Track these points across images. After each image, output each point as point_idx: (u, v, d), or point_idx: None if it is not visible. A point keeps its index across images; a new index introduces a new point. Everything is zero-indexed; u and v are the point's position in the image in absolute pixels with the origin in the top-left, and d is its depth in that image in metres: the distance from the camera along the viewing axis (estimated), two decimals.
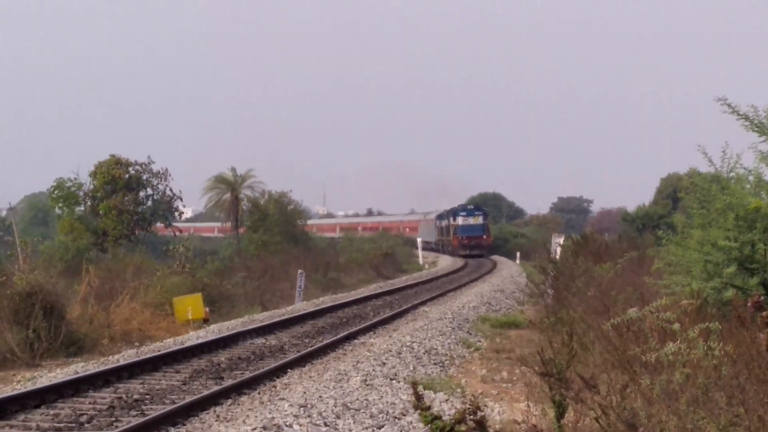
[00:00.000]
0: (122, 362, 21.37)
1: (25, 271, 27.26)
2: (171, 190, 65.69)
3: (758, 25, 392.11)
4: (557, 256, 34.37)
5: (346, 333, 27.03)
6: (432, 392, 16.66)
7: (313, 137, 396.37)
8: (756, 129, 14.34)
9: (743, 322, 9.26)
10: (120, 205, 61.49)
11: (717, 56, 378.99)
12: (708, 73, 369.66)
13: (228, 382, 18.80)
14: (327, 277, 55.95)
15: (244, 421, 14.55)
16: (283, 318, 31.34)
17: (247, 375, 19.74)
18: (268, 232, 71.03)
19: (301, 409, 14.98)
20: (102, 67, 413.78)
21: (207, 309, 33.57)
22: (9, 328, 24.84)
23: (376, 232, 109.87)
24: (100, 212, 61.65)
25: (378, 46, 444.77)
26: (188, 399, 16.89)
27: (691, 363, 9.31)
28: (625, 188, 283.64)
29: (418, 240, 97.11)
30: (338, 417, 14.55)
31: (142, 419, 15.15)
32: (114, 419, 15.66)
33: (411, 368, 19.99)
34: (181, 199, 67.44)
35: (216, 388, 18.15)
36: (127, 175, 62.97)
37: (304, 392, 16.73)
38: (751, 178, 16.06)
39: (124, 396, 17.72)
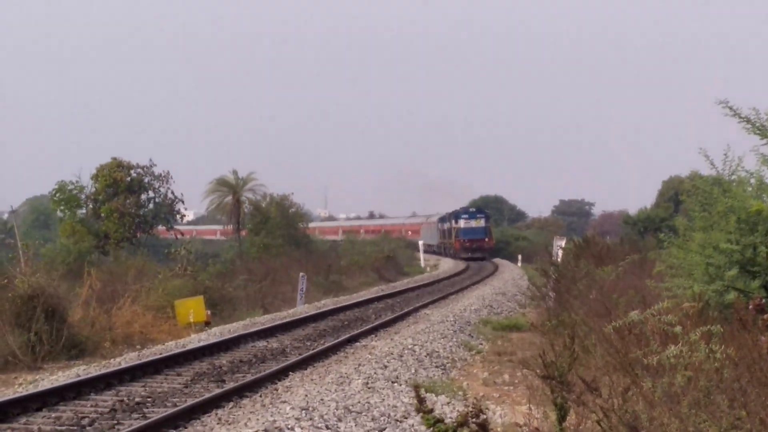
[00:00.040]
0: (124, 365, 21.36)
1: (26, 274, 27.25)
2: (173, 192, 65.78)
3: (760, 28, 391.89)
4: (559, 259, 34.34)
5: (347, 336, 27.03)
6: (434, 395, 16.67)
7: (315, 140, 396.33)
8: (758, 132, 14.34)
9: (745, 325, 9.26)
10: (122, 208, 61.52)
11: (719, 59, 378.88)
12: (710, 75, 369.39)
13: (229, 385, 18.79)
14: (328, 279, 55.89)
15: (245, 424, 14.55)
16: (284, 321, 31.33)
17: (249, 378, 19.74)
18: (269, 235, 71.01)
19: (303, 411, 14.98)
20: (104, 69, 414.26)
21: (209, 312, 33.54)
22: (11, 330, 24.83)
23: (378, 235, 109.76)
24: (102, 215, 61.68)
25: (380, 48, 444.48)
26: (190, 402, 16.89)
27: (693, 366, 9.31)
28: (626, 191, 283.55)
29: (420, 243, 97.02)
30: (340, 420, 14.56)
31: (143, 422, 15.15)
32: (116, 422, 15.66)
33: (413, 371, 19.99)
34: (183, 202, 67.55)
35: (217, 390, 18.15)
36: (128, 178, 63.01)
37: (306, 395, 16.73)
38: (752, 180, 16.07)
39: (125, 399, 17.72)
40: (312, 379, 19.49)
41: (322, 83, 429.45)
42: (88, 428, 15.39)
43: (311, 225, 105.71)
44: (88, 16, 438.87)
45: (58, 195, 61.53)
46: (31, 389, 18.97)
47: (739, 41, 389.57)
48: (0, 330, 24.84)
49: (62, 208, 61.65)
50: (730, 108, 14.41)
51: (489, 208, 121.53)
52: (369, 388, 17.56)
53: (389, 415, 15.07)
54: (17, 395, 17.72)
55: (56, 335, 25.33)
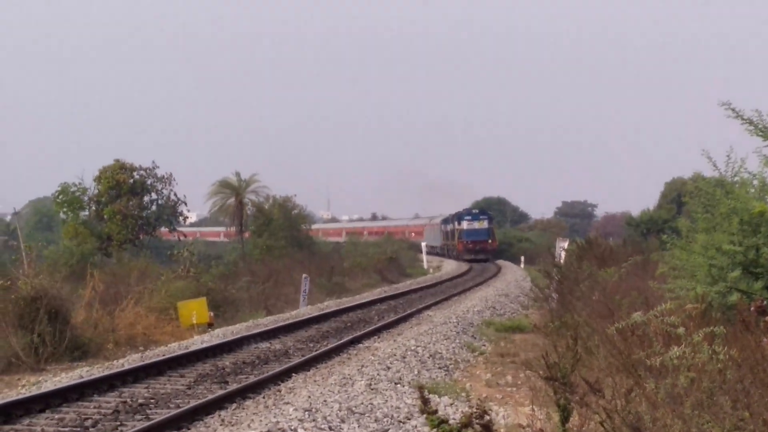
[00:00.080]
0: (127, 366, 21.38)
1: (29, 276, 27.28)
2: (175, 194, 65.87)
3: (760, 28, 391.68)
4: (562, 261, 34.32)
5: (350, 337, 27.02)
6: (437, 396, 16.66)
7: (315, 140, 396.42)
8: (760, 133, 14.34)
9: (748, 326, 9.26)
10: (124, 210, 61.59)
11: (721, 61, 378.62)
12: (710, 76, 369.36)
13: (233, 387, 18.80)
14: (331, 281, 55.90)
15: (248, 425, 14.56)
16: (287, 322, 31.33)
17: (252, 379, 19.76)
18: (272, 237, 71.09)
19: (306, 413, 14.99)
20: (104, 69, 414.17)
21: (211, 313, 33.54)
22: (14, 332, 24.86)
23: (381, 236, 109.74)
24: (105, 217, 61.75)
25: (380, 48, 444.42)
26: (193, 403, 16.90)
27: (696, 367, 9.31)
28: (629, 193, 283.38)
29: (423, 244, 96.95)
30: (343, 421, 14.56)
31: (146, 423, 15.17)
32: (119, 423, 15.68)
33: (415, 372, 20.00)
34: (186, 204, 67.61)
35: (221, 392, 18.16)
36: (131, 180, 63.10)
37: (309, 396, 16.74)
38: (755, 182, 16.08)
39: (128, 400, 17.73)
40: (315, 381, 19.50)
41: (322, 83, 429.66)
42: (91, 429, 15.42)
43: (315, 227, 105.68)
44: (88, 16, 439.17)
45: (61, 197, 61.62)
46: (35, 391, 18.98)
47: (739, 41, 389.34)
48: (3, 331, 24.88)
49: (65, 210, 61.73)
50: (733, 110, 14.42)
51: (492, 209, 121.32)
52: (372, 389, 17.56)
53: (392, 416, 15.07)
54: (20, 396, 17.74)
55: (59, 337, 25.37)
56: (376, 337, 27.96)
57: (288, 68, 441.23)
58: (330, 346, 25.29)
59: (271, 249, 67.80)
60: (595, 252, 30.24)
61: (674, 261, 17.67)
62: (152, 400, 17.78)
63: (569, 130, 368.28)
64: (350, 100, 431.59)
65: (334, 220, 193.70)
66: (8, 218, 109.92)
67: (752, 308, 9.30)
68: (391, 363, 20.95)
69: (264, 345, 26.13)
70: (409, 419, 14.86)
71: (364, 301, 42.03)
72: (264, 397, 17.96)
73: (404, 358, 21.82)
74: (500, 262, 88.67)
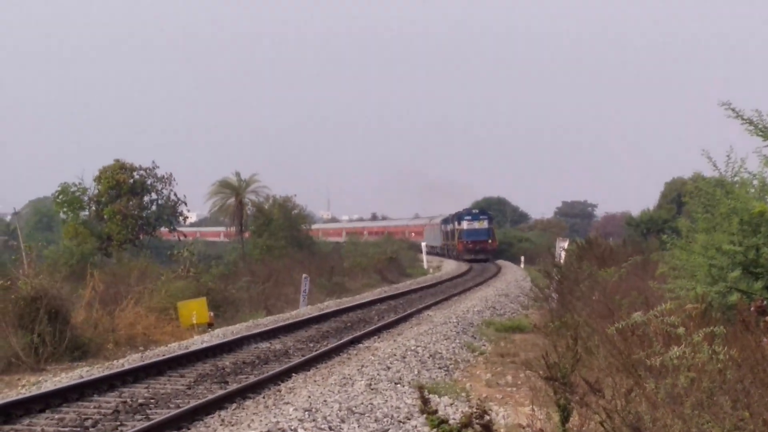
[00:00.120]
0: (127, 366, 21.38)
1: (29, 276, 27.28)
2: (175, 194, 65.88)
3: (760, 28, 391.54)
4: (562, 261, 34.33)
5: (350, 337, 27.02)
6: (437, 396, 16.66)
7: (315, 141, 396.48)
8: (760, 133, 14.34)
9: (748, 326, 9.26)
10: (124, 210, 61.60)
11: (721, 60, 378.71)
12: (710, 76, 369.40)
13: (233, 387, 18.80)
14: (331, 281, 55.90)
15: (248, 425, 14.57)
16: (287, 322, 31.33)
17: (252, 379, 19.76)
18: (272, 237, 71.11)
19: (306, 413, 14.99)
20: (106, 71, 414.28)
21: (211, 313, 33.55)
22: (14, 332, 24.86)
23: (381, 236, 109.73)
24: (105, 217, 61.75)
25: (380, 48, 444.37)
26: (193, 403, 16.90)
27: (696, 367, 9.31)
28: (629, 193, 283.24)
29: (423, 244, 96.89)
30: (343, 421, 14.57)
31: (146, 423, 15.17)
32: (119, 423, 15.68)
33: (415, 372, 20.00)
34: (186, 204, 67.62)
35: (221, 392, 18.16)
36: (131, 180, 63.11)
37: (309, 396, 16.74)
38: (755, 182, 16.08)
39: (128, 400, 17.74)
40: (315, 381, 19.51)
41: (322, 83, 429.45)
42: (91, 429, 15.42)
43: (315, 227, 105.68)
44: (88, 16, 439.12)
45: (61, 197, 61.63)
46: (35, 391, 18.98)
47: (739, 41, 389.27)
48: (3, 332, 24.88)
49: (65, 210, 61.74)
50: (733, 110, 14.42)
51: (492, 209, 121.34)
52: (372, 389, 17.56)
53: (392, 416, 15.08)
54: (20, 396, 17.74)
55: (59, 337, 25.38)
56: (376, 337, 27.96)
57: (288, 68, 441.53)
58: (330, 346, 25.29)
59: (271, 249, 67.82)
60: (595, 252, 30.24)
61: (674, 261, 17.67)
62: (152, 400, 17.79)
63: (569, 130, 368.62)
64: (350, 100, 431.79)
65: (334, 220, 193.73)
66: (8, 218, 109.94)
67: (752, 308, 9.30)
68: (391, 363, 20.95)
69: (264, 345, 26.13)
70: (409, 419, 14.86)
71: (364, 301, 42.03)
72: (264, 397, 17.96)
73: (404, 358, 21.83)
74: (500, 262, 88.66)
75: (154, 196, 65.21)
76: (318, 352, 24.04)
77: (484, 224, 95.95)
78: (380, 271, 70.68)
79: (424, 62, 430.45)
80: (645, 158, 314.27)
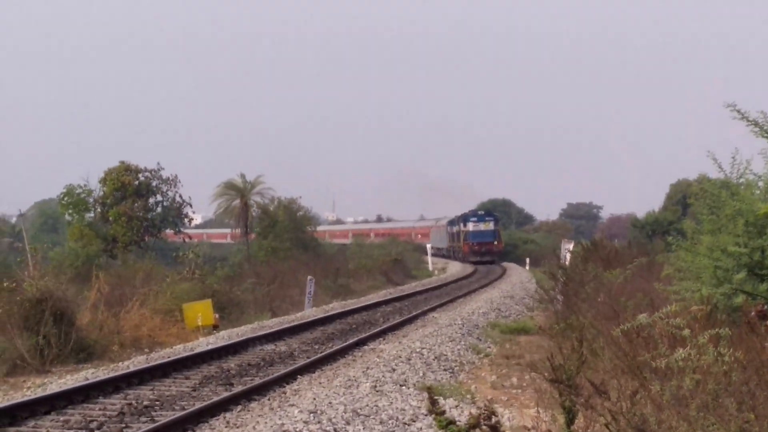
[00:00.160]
0: (132, 368, 21.39)
1: (35, 278, 27.29)
2: (180, 196, 65.81)
3: (760, 28, 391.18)
4: (567, 262, 34.31)
5: (355, 339, 27.02)
6: (442, 398, 16.64)
7: (315, 141, 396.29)
8: (766, 135, 14.33)
9: (753, 328, 9.26)
10: (130, 212, 61.57)
11: (721, 60, 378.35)
12: (713, 77, 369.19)
13: (238, 389, 18.80)
14: (336, 283, 55.90)
15: (254, 428, 14.57)
16: (292, 324, 31.34)
17: (257, 381, 19.75)
18: (277, 239, 71.13)
19: (311, 415, 15.00)
20: (106, 71, 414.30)
21: (217, 315, 33.56)
22: (19, 334, 24.86)
23: (388, 238, 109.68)
24: (110, 219, 61.74)
25: (380, 48, 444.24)
26: (198, 405, 16.89)
27: (701, 369, 9.31)
28: (634, 194, 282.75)
29: (428, 246, 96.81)
30: (348, 423, 14.57)
31: (152, 425, 15.17)
32: (124, 425, 15.68)
33: (421, 374, 19.99)
34: (191, 206, 67.58)
35: (226, 394, 18.16)
36: (136, 182, 63.06)
37: (314, 398, 16.74)
38: (760, 183, 16.08)
39: (134, 402, 17.74)
40: (320, 383, 19.50)
41: (322, 83, 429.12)
42: (96, 431, 15.42)
43: (321, 228, 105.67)
44: (88, 16, 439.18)
45: (66, 199, 61.61)
46: (40, 393, 19.00)
47: (739, 41, 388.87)
48: (9, 333, 24.89)
49: (70, 211, 61.70)
50: (739, 111, 14.40)
51: (497, 211, 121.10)
52: (377, 391, 17.57)
53: (397, 418, 15.07)
54: (26, 398, 17.76)
55: (65, 339, 25.37)
56: (381, 339, 27.95)
57: (288, 68, 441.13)
58: (335, 348, 25.28)
59: (276, 251, 67.84)
60: (601, 254, 30.22)
61: (679, 263, 17.66)
62: (157, 402, 17.78)
63: (570, 131, 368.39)
64: (350, 100, 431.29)
65: (339, 221, 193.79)
66: (14, 220, 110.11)
67: (753, 313, 9.31)
68: (396, 365, 20.94)
69: (269, 347, 26.14)
70: (414, 421, 14.86)
71: (369, 302, 42.02)
72: (269, 399, 17.95)
73: (409, 360, 21.82)
74: (505, 263, 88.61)
75: (159, 197, 65.20)
76: (323, 354, 24.03)
77: (490, 226, 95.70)
78: (385, 272, 70.69)
79: (424, 62, 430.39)
80: (645, 159, 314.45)
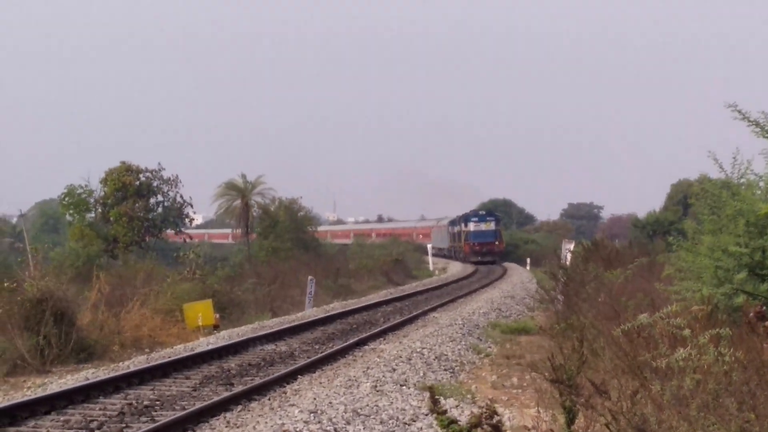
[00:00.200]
0: (132, 368, 21.39)
1: (35, 278, 27.31)
2: (181, 196, 65.80)
3: (760, 28, 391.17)
4: (567, 262, 34.30)
5: (356, 339, 27.01)
6: (442, 398, 16.63)
7: (315, 141, 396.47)
8: (767, 135, 14.32)
9: (754, 329, 9.25)
10: (130, 212, 61.56)
11: (721, 60, 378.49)
12: (713, 77, 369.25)
13: (238, 389, 18.80)
14: (337, 283, 55.90)
15: (254, 428, 14.57)
16: (293, 324, 31.34)
17: (258, 381, 19.75)
18: (278, 239, 71.15)
19: (312, 415, 14.99)
20: (112, 73, 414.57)
21: (217, 315, 33.57)
22: (20, 334, 24.87)
23: (389, 238, 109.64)
24: (111, 219, 61.72)
25: (380, 48, 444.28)
26: (198, 405, 16.89)
27: (702, 369, 9.30)
28: (635, 194, 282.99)
29: (428, 246, 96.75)
30: (348, 423, 14.56)
31: (152, 425, 15.17)
32: (124, 425, 15.68)
33: (421, 374, 19.98)
34: (192, 206, 67.57)
35: (226, 394, 18.15)
36: (137, 182, 63.05)
37: (315, 398, 16.74)
38: (761, 183, 16.08)
39: (134, 402, 17.73)
40: (320, 383, 19.50)
41: (322, 83, 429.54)
42: (96, 431, 15.41)
43: (323, 229, 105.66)
44: (88, 16, 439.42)
45: (67, 199, 61.59)
46: (40, 393, 19.00)
47: (739, 41, 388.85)
48: (9, 333, 24.90)
49: (71, 211, 61.69)
50: (740, 111, 14.39)
51: (498, 211, 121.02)
52: (377, 391, 17.56)
53: (398, 418, 15.07)
54: (26, 398, 17.76)
55: (65, 339, 25.37)
56: (381, 338, 27.95)
57: (288, 68, 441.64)
58: (335, 348, 25.28)
59: (276, 251, 67.86)
60: (601, 254, 30.20)
61: (680, 263, 17.65)
62: (158, 402, 17.78)
63: (570, 131, 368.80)
64: (350, 100, 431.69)
65: (339, 221, 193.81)
66: (14, 220, 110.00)
67: (751, 314, 9.30)
68: (396, 365, 20.94)
69: (270, 347, 26.14)
70: (415, 421, 14.85)
71: (369, 303, 42.03)
72: (269, 399, 17.95)
73: (410, 360, 21.81)
74: (506, 264, 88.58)
75: (160, 198, 65.20)
76: (323, 354, 24.02)
77: (491, 226, 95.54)
78: (386, 272, 70.70)
79: (424, 62, 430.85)
80: (646, 159, 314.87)
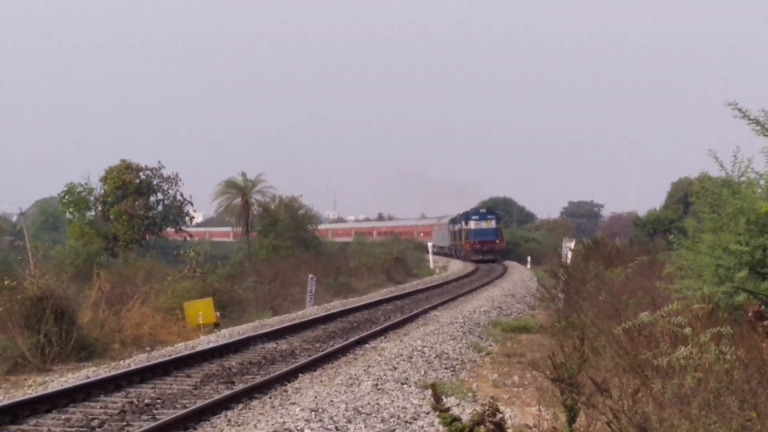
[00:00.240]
0: (133, 367, 21.39)
1: (36, 276, 27.28)
2: (181, 194, 65.86)
3: (760, 28, 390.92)
4: (568, 261, 34.31)
5: (357, 337, 27.01)
6: (443, 396, 16.63)
7: (315, 141, 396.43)
8: (767, 133, 14.31)
9: (754, 327, 9.25)
10: (130, 210, 61.59)
11: (721, 60, 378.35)
12: (713, 77, 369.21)
13: (239, 387, 18.80)
14: (338, 281, 55.86)
15: (255, 426, 14.57)
16: (293, 322, 31.34)
17: (258, 379, 19.75)
18: (278, 237, 71.15)
19: (312, 413, 15.00)
20: (106, 71, 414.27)
21: (218, 314, 33.57)
22: (20, 332, 24.87)
23: (390, 236, 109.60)
24: (111, 217, 61.76)
25: (380, 48, 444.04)
26: (199, 403, 16.90)
27: (703, 367, 9.30)
28: (636, 193, 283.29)
29: (429, 244, 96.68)
30: (349, 421, 14.56)
31: (153, 424, 15.17)
32: (125, 424, 15.68)
33: (422, 373, 19.98)
34: (192, 204, 67.61)
35: (227, 392, 18.16)
36: (137, 180, 63.09)
37: (315, 397, 16.74)
38: (762, 182, 16.06)
39: (135, 401, 17.74)
40: (321, 381, 19.50)
41: (322, 83, 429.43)
42: (97, 430, 15.42)
43: (324, 227, 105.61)
44: (88, 16, 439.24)
45: (67, 197, 61.60)
46: (41, 391, 19.00)
47: (739, 41, 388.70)
48: (9, 332, 24.90)
49: (71, 210, 61.70)
50: (740, 110, 14.39)
51: (498, 209, 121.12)
52: (378, 389, 17.56)
53: (399, 416, 15.07)
54: (27, 397, 17.77)
55: (66, 337, 25.36)
56: (382, 337, 27.96)
57: (288, 68, 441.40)
58: (336, 346, 25.28)
59: (277, 249, 67.87)
60: (602, 252, 30.22)
61: (681, 261, 17.64)
62: (159, 401, 17.78)
63: (569, 131, 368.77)
64: (350, 100, 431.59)
65: (340, 220, 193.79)
66: (14, 218, 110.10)
67: (749, 314, 9.31)
68: (397, 363, 20.95)
69: (270, 345, 26.13)
70: (416, 419, 14.85)
71: (370, 301, 42.03)
72: (270, 398, 17.95)
73: (411, 358, 21.82)
74: (507, 262, 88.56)
75: (160, 196, 65.24)
76: (324, 352, 24.02)
77: (492, 224, 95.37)
78: (387, 271, 70.66)
79: (424, 62, 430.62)
80: (646, 158, 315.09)
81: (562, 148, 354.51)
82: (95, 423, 15.76)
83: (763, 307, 9.49)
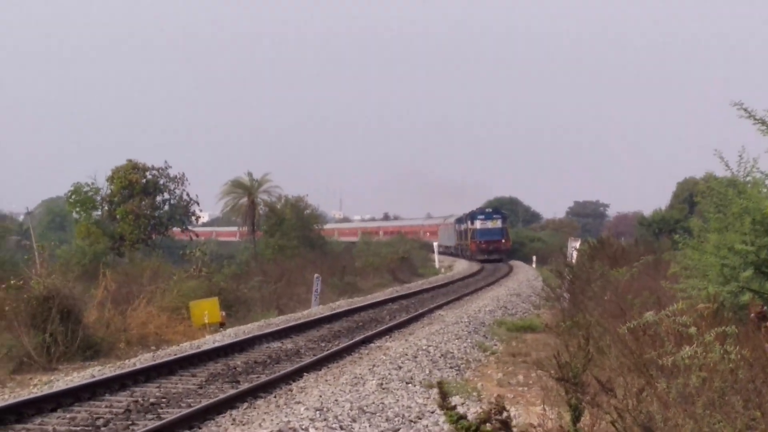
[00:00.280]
0: (139, 366, 21.40)
1: (42, 276, 27.31)
2: (188, 194, 65.97)
3: (760, 28, 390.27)
4: (573, 261, 34.28)
5: (362, 337, 27.03)
6: (448, 395, 16.62)
7: (318, 142, 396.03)
8: None
9: (760, 326, 9.24)
10: (137, 210, 61.69)
11: (721, 60, 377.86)
12: (713, 77, 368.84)
13: (244, 386, 18.81)
14: (343, 281, 55.87)
15: (260, 425, 14.57)
16: (299, 322, 31.35)
17: (264, 379, 19.76)
18: (284, 237, 71.21)
19: (317, 412, 15.00)
20: (106, 71, 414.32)
21: (223, 313, 33.58)
22: (26, 332, 24.89)
23: (396, 236, 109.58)
24: (117, 217, 61.86)
25: (380, 48, 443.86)
26: (204, 403, 16.91)
27: (708, 366, 9.29)
28: (641, 192, 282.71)
29: (435, 244, 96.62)
30: (354, 420, 14.57)
31: (158, 423, 15.18)
32: (130, 423, 15.69)
33: (427, 372, 19.99)
34: (198, 204, 67.66)
35: (232, 391, 18.17)
36: (144, 180, 63.20)
37: (320, 396, 16.75)
38: (767, 182, 16.04)
39: (140, 400, 17.76)
40: (326, 380, 19.51)
41: (322, 83, 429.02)
42: (102, 429, 15.43)
43: (330, 226, 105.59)
44: (88, 16, 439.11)
45: (73, 197, 61.68)
46: (46, 390, 19.03)
47: (739, 41, 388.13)
48: (15, 331, 24.93)
49: (78, 209, 61.79)
50: (745, 109, 14.38)
51: (504, 209, 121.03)
52: (383, 388, 17.57)
53: (403, 415, 15.07)
54: (32, 396, 17.80)
55: (71, 336, 25.39)
56: (387, 336, 27.97)
57: (288, 68, 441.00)
58: (341, 345, 25.30)
59: (283, 249, 67.94)
60: (607, 252, 30.20)
61: (686, 261, 17.64)
62: (164, 400, 17.80)
63: (570, 131, 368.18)
64: (350, 100, 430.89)
65: (346, 219, 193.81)
66: (21, 218, 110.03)
67: (752, 315, 9.30)
68: (402, 362, 20.95)
69: (275, 344, 26.15)
70: (421, 419, 14.85)
71: (375, 300, 42.05)
72: (275, 397, 17.97)
73: (416, 357, 21.82)
74: (512, 262, 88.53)
75: (166, 196, 65.33)
76: (329, 351, 24.04)
77: (498, 223, 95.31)
78: (392, 270, 70.66)
79: (424, 62, 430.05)
80: (649, 158, 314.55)
81: (563, 148, 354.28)
82: (100, 422, 15.77)
83: (766, 307, 9.48)
